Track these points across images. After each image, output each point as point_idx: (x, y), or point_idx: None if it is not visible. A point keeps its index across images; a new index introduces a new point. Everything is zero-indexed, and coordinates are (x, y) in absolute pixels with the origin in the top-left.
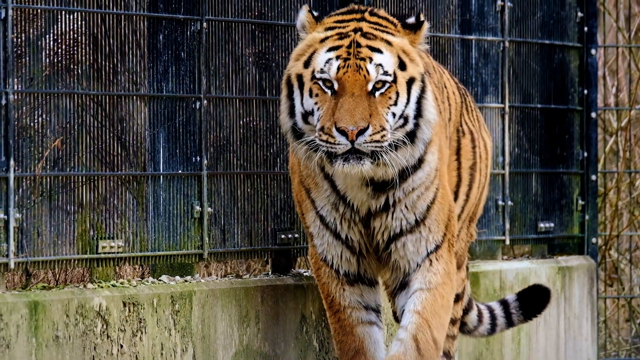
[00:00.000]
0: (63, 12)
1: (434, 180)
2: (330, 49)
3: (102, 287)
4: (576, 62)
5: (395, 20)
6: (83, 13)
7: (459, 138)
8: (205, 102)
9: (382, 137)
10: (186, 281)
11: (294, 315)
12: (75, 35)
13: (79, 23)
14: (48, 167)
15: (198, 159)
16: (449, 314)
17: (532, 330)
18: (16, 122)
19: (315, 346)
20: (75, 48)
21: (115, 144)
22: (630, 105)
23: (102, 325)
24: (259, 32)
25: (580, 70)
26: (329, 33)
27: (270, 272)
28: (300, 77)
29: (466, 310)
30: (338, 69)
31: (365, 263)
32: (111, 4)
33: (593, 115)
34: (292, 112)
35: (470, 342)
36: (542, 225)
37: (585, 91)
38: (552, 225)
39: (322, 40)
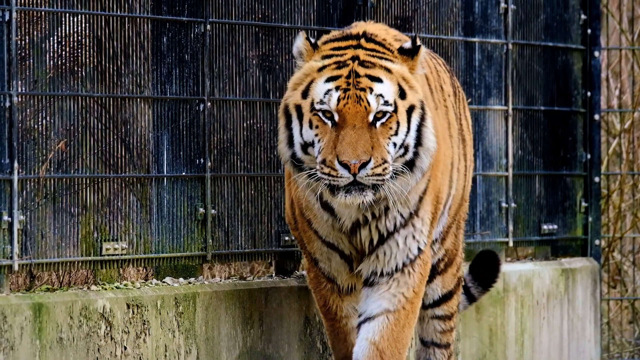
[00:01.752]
0: (67, 15)
1: (426, 174)
2: (328, 79)
3: (105, 289)
4: (579, 65)
5: (391, 45)
6: (87, 15)
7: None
8: (209, 104)
9: (383, 170)
10: (190, 283)
11: (297, 317)
12: (79, 38)
13: (83, 25)
14: (52, 169)
15: (202, 161)
16: (414, 321)
17: (536, 331)
18: (20, 125)
19: (319, 348)
20: (79, 50)
21: (119, 146)
22: (633, 107)
23: (106, 327)
24: (263, 34)
25: (583, 72)
26: (327, 62)
27: (273, 274)
28: (299, 108)
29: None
30: (338, 100)
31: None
32: (115, 7)
33: (596, 117)
34: (290, 142)
35: (473, 344)
36: (545, 227)
37: (589, 93)
38: (555, 227)
39: (320, 70)
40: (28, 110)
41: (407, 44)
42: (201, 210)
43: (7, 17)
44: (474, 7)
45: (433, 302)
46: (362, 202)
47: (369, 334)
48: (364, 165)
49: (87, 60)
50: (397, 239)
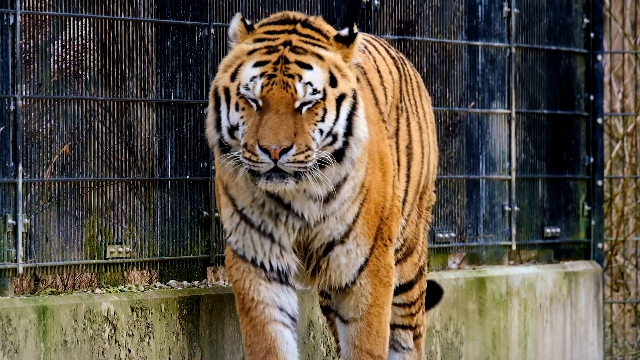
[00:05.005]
0: (71, 18)
1: (359, 196)
2: (256, 64)
3: (110, 292)
4: (582, 68)
5: (329, 32)
6: (91, 19)
7: (398, 117)
8: None
9: (306, 157)
10: (194, 286)
11: (301, 320)
12: (84, 41)
13: (87, 29)
14: (56, 172)
15: (205, 164)
16: (389, 307)
17: (539, 334)
18: (25, 128)
19: (322, 351)
20: (84, 54)
21: (123, 149)
22: (636, 111)
23: (110, 329)
24: None
25: (586, 76)
26: (257, 45)
27: None
28: (227, 91)
29: None
30: (262, 87)
31: (289, 261)
32: (119, 10)
33: (599, 120)
34: (218, 126)
35: (476, 347)
36: (548, 230)
37: (591, 97)
38: (558, 230)
39: (250, 53)
40: (32, 113)
41: (344, 31)
42: (205, 213)
43: (11, 21)
44: (477, 11)
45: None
46: (284, 190)
47: (349, 337)
48: (285, 151)
49: (92, 63)
50: (339, 255)
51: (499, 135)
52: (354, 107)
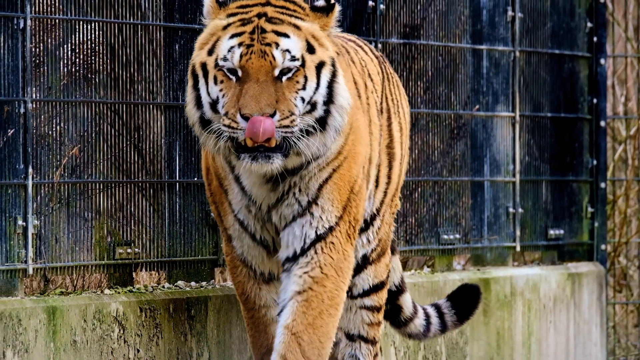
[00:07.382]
0: (81, 22)
1: (332, 162)
2: (232, 36)
3: (119, 293)
4: (586, 72)
5: (304, 4)
6: (100, 23)
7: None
8: None
9: (291, 122)
10: (201, 287)
11: None
12: (93, 45)
13: (97, 33)
14: (66, 174)
15: None
16: (335, 312)
17: (543, 335)
18: (34, 131)
19: None
20: (93, 57)
21: (132, 152)
22: (639, 114)
23: (119, 330)
24: None
25: (589, 79)
26: (231, 20)
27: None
28: (204, 66)
29: (400, 292)
30: (241, 56)
31: (278, 261)
32: (128, 14)
33: (602, 123)
34: (199, 103)
35: (481, 347)
36: (552, 232)
37: (595, 100)
38: (562, 232)
39: (225, 28)
40: (42, 116)
41: (321, 2)
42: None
43: (22, 25)
44: (481, 15)
45: (363, 291)
46: (270, 169)
47: (282, 320)
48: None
49: (101, 67)
50: (295, 225)
51: (503, 138)
52: (333, 75)
